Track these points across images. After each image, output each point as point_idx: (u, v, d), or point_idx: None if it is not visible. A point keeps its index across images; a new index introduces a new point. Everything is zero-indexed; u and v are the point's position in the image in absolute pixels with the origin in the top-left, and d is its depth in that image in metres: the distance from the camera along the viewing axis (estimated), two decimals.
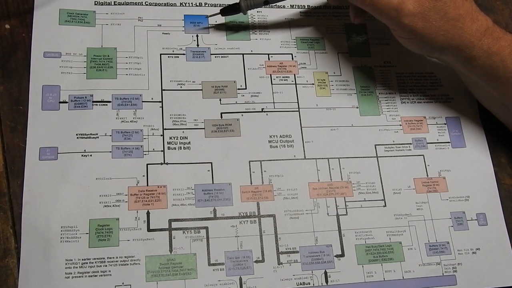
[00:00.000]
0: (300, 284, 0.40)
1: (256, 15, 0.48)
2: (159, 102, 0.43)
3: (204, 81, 0.45)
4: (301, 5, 0.49)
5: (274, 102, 0.45)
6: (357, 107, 0.46)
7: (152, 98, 0.43)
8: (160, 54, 0.45)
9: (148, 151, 0.42)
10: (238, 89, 0.45)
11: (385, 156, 0.45)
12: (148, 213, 0.40)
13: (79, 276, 0.38)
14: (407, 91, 0.48)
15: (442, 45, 0.41)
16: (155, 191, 0.41)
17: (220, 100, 0.44)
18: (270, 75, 0.46)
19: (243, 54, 0.46)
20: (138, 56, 0.45)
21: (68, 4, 0.45)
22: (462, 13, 0.41)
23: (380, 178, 0.44)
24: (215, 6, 0.48)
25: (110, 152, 0.41)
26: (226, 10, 0.46)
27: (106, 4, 0.46)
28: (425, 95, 0.48)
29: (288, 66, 0.47)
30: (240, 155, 0.43)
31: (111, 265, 0.38)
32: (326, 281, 0.40)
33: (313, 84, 0.46)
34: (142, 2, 0.47)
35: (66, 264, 0.38)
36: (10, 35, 0.43)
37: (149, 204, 0.40)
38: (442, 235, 0.43)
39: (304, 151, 0.44)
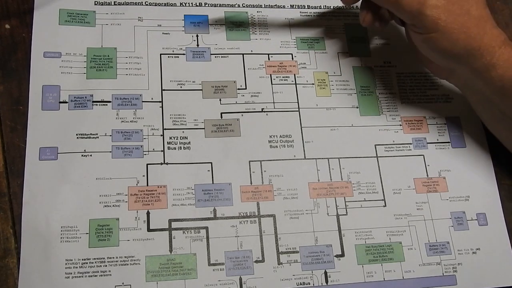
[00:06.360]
0: (300, 284, 0.40)
1: (256, 15, 0.48)
2: (159, 102, 0.43)
3: (204, 81, 0.45)
4: (301, 5, 0.49)
5: (274, 102, 0.45)
6: (357, 107, 0.46)
7: (152, 98, 0.43)
8: (160, 54, 0.45)
9: (148, 151, 0.42)
10: (238, 89, 0.45)
11: (385, 156, 0.45)
12: (148, 213, 0.40)
13: (79, 276, 0.38)
14: (407, 91, 0.48)
15: (463, 44, 0.39)
16: (155, 191, 0.41)
17: (220, 100, 0.44)
18: (270, 75, 0.46)
19: (243, 54, 0.46)
20: (138, 56, 0.45)
21: (68, 4, 0.45)
22: (484, 15, 0.40)
23: (380, 178, 0.44)
24: (215, 6, 0.48)
25: (110, 152, 0.41)
26: None
27: (106, 4, 0.46)
28: (425, 95, 0.48)
29: (288, 66, 0.47)
30: (240, 155, 0.43)
31: (111, 265, 0.38)
32: (326, 281, 0.40)
33: (313, 84, 0.46)
34: (142, 2, 0.47)
35: (66, 264, 0.38)
36: (10, 35, 0.43)
37: (149, 204, 0.40)
38: (442, 235, 0.43)
39: (304, 151, 0.44)
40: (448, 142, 0.46)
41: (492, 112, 0.43)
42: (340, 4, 0.50)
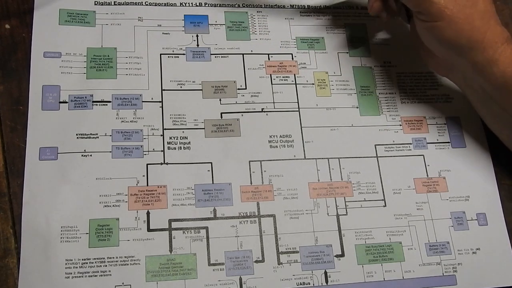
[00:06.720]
0: (300, 284, 0.40)
1: (256, 15, 0.48)
2: (159, 102, 0.43)
3: (204, 81, 0.45)
4: (301, 5, 0.49)
5: (274, 102, 0.45)
6: (357, 107, 0.46)
7: (152, 98, 0.43)
8: (160, 54, 0.45)
9: (148, 151, 0.42)
10: (238, 89, 0.45)
11: (385, 156, 0.45)
12: (148, 213, 0.40)
13: (79, 276, 0.38)
14: (407, 91, 0.48)
15: (466, 36, 0.39)
16: (155, 191, 0.41)
17: (220, 100, 0.44)
18: (270, 75, 0.46)
19: (243, 54, 0.46)
20: (138, 56, 0.45)
21: (68, 4, 0.45)
22: (490, 11, 0.40)
23: (380, 178, 0.44)
24: (215, 6, 0.48)
25: (110, 152, 0.41)
26: None
27: (106, 4, 0.46)
28: (425, 95, 0.48)
29: (288, 66, 0.47)
30: (240, 155, 0.43)
31: (111, 265, 0.38)
32: (326, 281, 0.40)
33: (313, 84, 0.46)
34: (142, 2, 0.47)
35: (66, 264, 0.38)
36: (10, 35, 0.43)
37: (149, 204, 0.40)
38: (442, 235, 0.43)
39: (304, 151, 0.44)
40: (448, 142, 0.46)
41: (492, 110, 0.43)
42: (340, 3, 0.50)
